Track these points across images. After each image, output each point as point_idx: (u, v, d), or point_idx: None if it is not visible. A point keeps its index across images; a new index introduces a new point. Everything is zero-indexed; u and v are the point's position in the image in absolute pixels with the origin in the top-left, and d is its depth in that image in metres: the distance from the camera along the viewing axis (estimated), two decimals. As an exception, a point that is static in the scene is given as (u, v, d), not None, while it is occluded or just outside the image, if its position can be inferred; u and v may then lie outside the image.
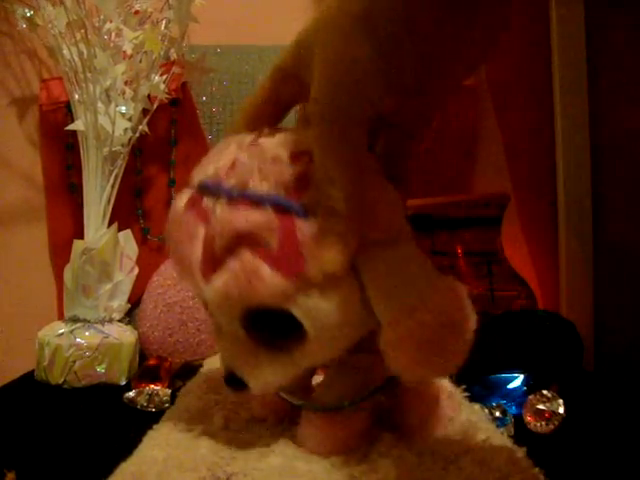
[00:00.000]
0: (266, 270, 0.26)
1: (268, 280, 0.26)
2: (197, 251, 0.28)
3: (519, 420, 0.44)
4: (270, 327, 0.29)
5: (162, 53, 0.64)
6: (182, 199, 0.30)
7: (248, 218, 0.26)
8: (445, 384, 0.36)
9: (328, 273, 0.27)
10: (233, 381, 0.31)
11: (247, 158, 0.28)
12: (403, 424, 0.36)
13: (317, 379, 0.37)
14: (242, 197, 0.27)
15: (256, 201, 0.27)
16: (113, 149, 0.62)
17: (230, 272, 0.27)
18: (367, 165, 0.28)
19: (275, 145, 0.29)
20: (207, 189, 0.29)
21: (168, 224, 0.31)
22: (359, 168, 0.27)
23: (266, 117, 0.31)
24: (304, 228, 0.26)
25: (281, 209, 0.27)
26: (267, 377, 0.31)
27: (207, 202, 0.28)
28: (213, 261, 0.27)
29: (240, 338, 0.30)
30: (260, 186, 0.27)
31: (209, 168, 0.30)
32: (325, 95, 0.25)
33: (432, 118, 0.31)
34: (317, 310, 0.28)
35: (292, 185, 0.27)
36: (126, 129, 0.63)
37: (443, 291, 0.28)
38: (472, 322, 0.28)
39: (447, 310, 0.27)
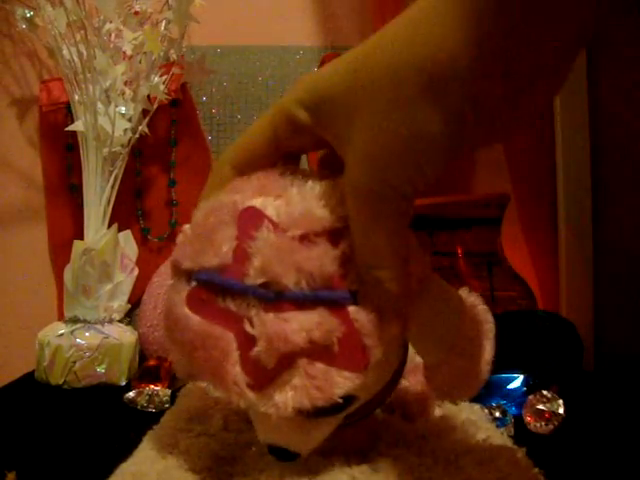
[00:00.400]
0: (334, 373, 0.23)
1: (341, 383, 0.23)
2: (234, 369, 0.24)
3: (519, 420, 0.44)
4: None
5: (162, 54, 0.64)
6: (180, 294, 0.26)
7: (304, 326, 0.22)
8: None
9: (387, 348, 0.25)
10: (280, 452, 0.29)
11: (263, 243, 0.23)
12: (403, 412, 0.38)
13: None
14: (283, 299, 0.22)
15: (302, 301, 0.22)
16: (113, 150, 0.62)
17: (295, 387, 0.23)
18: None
19: (294, 221, 0.23)
20: (222, 286, 0.24)
21: (168, 324, 0.26)
22: (406, 244, 0.24)
23: (261, 163, 0.26)
24: (360, 317, 0.23)
25: (331, 303, 0.23)
26: (317, 441, 0.29)
27: (231, 306, 0.23)
28: (264, 377, 0.23)
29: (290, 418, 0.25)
30: (299, 281, 0.22)
31: (208, 254, 0.24)
32: (374, 168, 0.21)
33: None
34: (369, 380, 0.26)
35: (333, 271, 0.23)
36: (126, 130, 0.63)
37: (471, 320, 0.28)
38: (492, 340, 0.29)
39: (474, 340, 0.28)
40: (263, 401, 0.24)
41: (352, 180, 0.22)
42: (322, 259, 0.23)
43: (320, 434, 0.28)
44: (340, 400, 0.24)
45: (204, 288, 0.24)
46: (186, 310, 0.25)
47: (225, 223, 0.24)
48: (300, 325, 0.22)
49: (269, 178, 0.25)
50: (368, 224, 0.22)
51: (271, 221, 0.23)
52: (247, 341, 0.23)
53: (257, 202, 0.24)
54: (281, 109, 0.24)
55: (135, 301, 0.69)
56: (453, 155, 0.21)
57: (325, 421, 0.27)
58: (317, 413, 0.24)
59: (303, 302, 0.22)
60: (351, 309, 0.23)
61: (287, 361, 0.23)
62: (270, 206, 0.24)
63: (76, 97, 0.62)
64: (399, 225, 0.23)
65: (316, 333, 0.22)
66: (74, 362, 0.57)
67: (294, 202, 0.24)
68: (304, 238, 0.23)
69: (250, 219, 0.23)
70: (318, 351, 0.23)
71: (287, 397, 0.23)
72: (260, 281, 0.22)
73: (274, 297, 0.22)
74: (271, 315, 0.22)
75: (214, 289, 0.24)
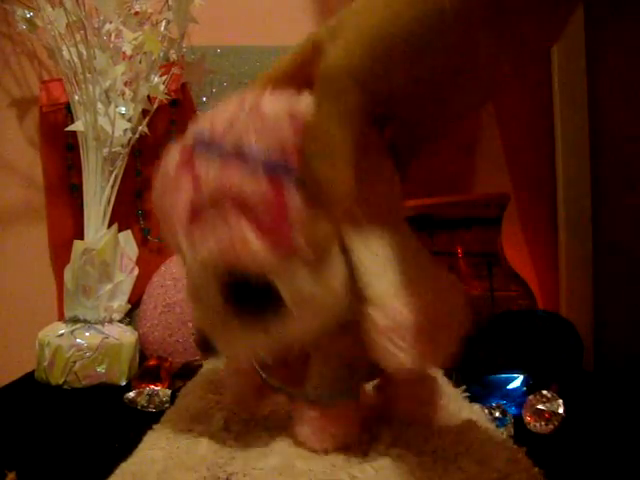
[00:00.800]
0: (252, 237, 0.25)
1: (254, 247, 0.25)
2: (182, 205, 0.26)
3: (519, 420, 0.44)
4: (248, 297, 0.27)
5: (162, 54, 0.64)
6: (174, 152, 0.29)
7: (239, 179, 0.25)
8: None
9: (315, 246, 0.26)
10: (204, 345, 0.30)
11: (246, 116, 0.26)
12: (398, 412, 0.36)
13: None
14: (235, 156, 0.25)
15: (249, 163, 0.25)
16: (113, 150, 0.62)
17: (215, 235, 0.25)
18: (369, 142, 0.26)
19: (278, 107, 0.26)
20: (200, 144, 0.27)
21: (157, 176, 0.30)
22: (359, 145, 0.24)
23: (287, 82, 0.28)
24: (295, 198, 0.25)
25: (274, 175, 0.25)
26: (239, 346, 0.29)
27: (199, 157, 0.27)
28: (198, 219, 0.26)
29: (216, 304, 0.27)
30: (255, 147, 0.25)
31: (206, 123, 0.28)
32: (349, 55, 0.23)
33: (450, 129, 0.30)
34: (300, 284, 0.26)
35: (288, 152, 0.25)
36: (126, 130, 0.63)
37: (437, 280, 0.27)
38: (465, 315, 0.28)
39: (439, 298, 0.27)
40: (190, 246, 0.26)
41: (326, 63, 0.23)
42: (281, 134, 0.25)
43: (245, 342, 0.29)
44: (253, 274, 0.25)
45: (191, 146, 0.28)
46: (171, 160, 0.29)
47: (229, 105, 0.28)
48: (237, 177, 0.25)
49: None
50: (324, 109, 0.24)
51: (261, 105, 0.26)
52: (197, 186, 0.26)
53: (263, 97, 0.27)
54: (311, 38, 0.26)
55: (135, 301, 0.69)
56: (428, 66, 0.22)
57: (253, 330, 0.28)
58: (233, 281, 0.26)
59: (251, 164, 0.25)
60: (290, 188, 0.25)
61: (220, 211, 0.25)
62: (268, 97, 0.27)
63: (76, 97, 0.62)
64: (352, 120, 0.24)
65: (248, 189, 0.25)
66: (74, 362, 0.57)
67: (284, 97, 0.27)
68: (276, 119, 0.26)
69: (250, 106, 0.27)
70: (246, 213, 0.25)
71: (206, 241, 0.26)
72: (227, 140, 0.26)
73: (230, 153, 0.25)
74: (219, 164, 0.25)
75: (197, 147, 0.27)
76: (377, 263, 0.27)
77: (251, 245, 0.25)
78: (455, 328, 0.27)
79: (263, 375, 0.34)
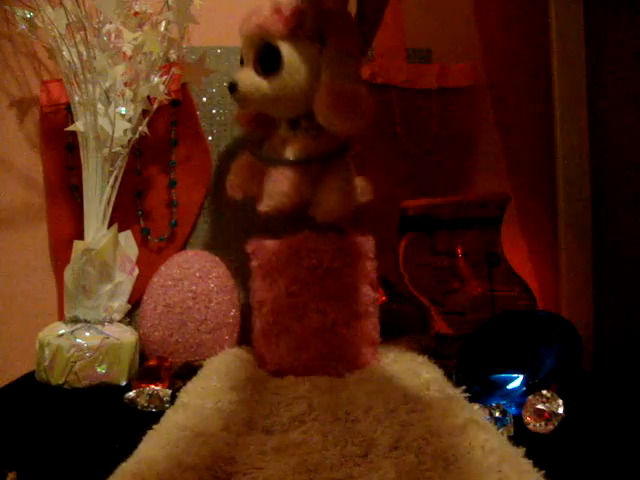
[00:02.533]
0: (275, 21, 0.55)
1: (273, 25, 0.55)
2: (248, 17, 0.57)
3: (519, 420, 0.44)
4: (266, 61, 0.55)
5: (162, 54, 0.64)
6: None
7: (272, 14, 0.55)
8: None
9: (302, 25, 0.54)
10: (230, 87, 0.56)
11: None
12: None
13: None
14: None
15: None
16: (113, 150, 0.62)
17: (255, 22, 0.56)
18: None
19: None
20: None
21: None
22: None
23: None
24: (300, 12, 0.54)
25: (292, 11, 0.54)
26: (249, 84, 0.56)
27: None
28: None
29: (251, 65, 0.57)
30: None
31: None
32: None
33: None
34: (291, 55, 0.55)
35: None
36: (126, 130, 0.63)
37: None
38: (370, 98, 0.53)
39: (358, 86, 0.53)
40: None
41: None
42: None
43: (257, 82, 0.56)
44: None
45: None
46: None
47: None
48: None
49: None
50: None
51: None
52: None
53: None
54: None
55: (135, 301, 0.69)
56: None
57: (264, 78, 0.56)
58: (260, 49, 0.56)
59: None
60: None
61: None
62: None
63: (76, 98, 0.62)
64: None
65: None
66: (74, 362, 0.57)
67: None
68: None
69: None
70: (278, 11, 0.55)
71: (251, 21, 0.57)
72: None
73: None
74: None
75: None
76: (335, 62, 0.54)
77: (275, 23, 0.54)
78: (368, 103, 0.52)
79: (257, 152, 0.60)
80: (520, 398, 0.47)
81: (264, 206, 0.56)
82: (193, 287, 0.63)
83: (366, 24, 0.55)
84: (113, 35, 0.64)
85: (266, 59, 0.55)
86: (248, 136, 0.64)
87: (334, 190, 0.57)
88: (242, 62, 0.59)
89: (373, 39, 0.57)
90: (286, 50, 0.55)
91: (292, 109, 0.58)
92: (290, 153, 0.57)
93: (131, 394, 0.51)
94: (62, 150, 0.72)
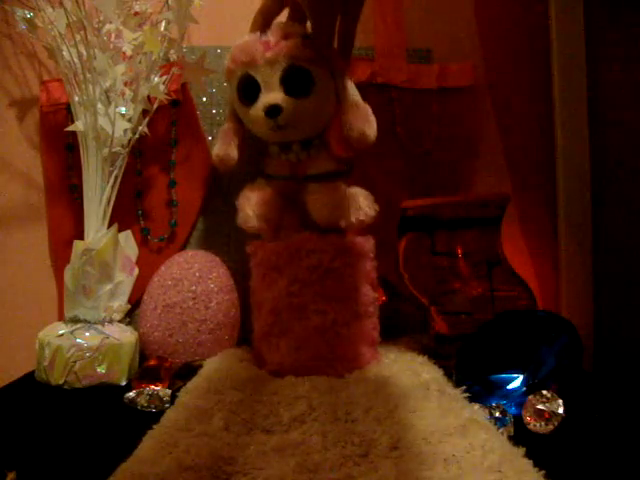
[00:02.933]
0: (302, 45, 0.56)
1: (303, 48, 0.56)
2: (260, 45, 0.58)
3: (519, 420, 0.44)
4: (296, 82, 0.57)
5: (162, 54, 0.64)
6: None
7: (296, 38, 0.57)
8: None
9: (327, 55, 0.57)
10: (272, 111, 0.56)
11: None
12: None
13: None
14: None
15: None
16: (113, 150, 0.62)
17: (284, 45, 0.57)
18: None
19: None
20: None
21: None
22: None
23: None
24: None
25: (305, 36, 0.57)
26: (294, 106, 0.57)
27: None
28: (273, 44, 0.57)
29: (278, 88, 0.57)
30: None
31: None
32: None
33: None
34: (319, 77, 0.57)
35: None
36: (126, 130, 0.63)
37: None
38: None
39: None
40: (267, 54, 0.57)
41: None
42: (298, 30, 0.58)
43: (295, 105, 0.57)
44: None
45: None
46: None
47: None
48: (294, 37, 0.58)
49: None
50: None
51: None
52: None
53: None
54: None
55: (135, 301, 0.69)
56: None
57: (298, 101, 0.57)
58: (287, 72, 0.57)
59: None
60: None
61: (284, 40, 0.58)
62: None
63: (76, 97, 0.62)
64: None
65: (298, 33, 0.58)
66: (74, 362, 0.57)
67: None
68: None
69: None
70: (301, 39, 0.57)
71: (281, 45, 0.57)
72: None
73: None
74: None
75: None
76: (347, 93, 0.59)
77: (305, 46, 0.56)
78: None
79: (279, 176, 0.63)
80: (520, 398, 0.47)
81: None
82: (193, 287, 0.63)
83: (348, 22, 0.55)
84: (113, 35, 0.64)
85: (295, 82, 0.57)
86: (261, 165, 0.65)
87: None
88: (244, 90, 0.59)
89: (352, 47, 0.57)
90: (316, 73, 0.57)
91: (315, 130, 0.61)
92: (319, 169, 0.60)
93: (131, 394, 0.51)
94: (62, 150, 0.72)
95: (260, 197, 0.61)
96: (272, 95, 0.57)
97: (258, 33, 0.59)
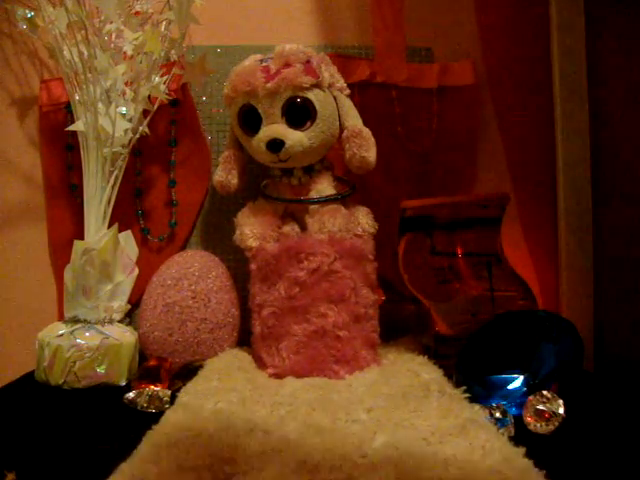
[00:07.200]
0: (303, 73, 0.57)
1: (304, 77, 0.57)
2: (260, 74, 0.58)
3: (519, 421, 0.44)
4: (297, 114, 0.57)
5: (162, 54, 0.64)
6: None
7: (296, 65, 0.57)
8: None
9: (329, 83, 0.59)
10: (274, 145, 0.57)
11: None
12: None
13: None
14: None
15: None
16: (113, 150, 0.62)
17: (284, 75, 0.56)
18: None
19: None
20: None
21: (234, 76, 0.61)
22: None
23: None
24: (316, 63, 0.59)
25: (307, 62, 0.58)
26: (295, 140, 0.57)
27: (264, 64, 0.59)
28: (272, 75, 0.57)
29: (279, 119, 0.58)
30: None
31: None
32: None
33: None
34: (323, 102, 0.58)
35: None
36: (126, 130, 0.63)
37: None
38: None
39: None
40: (267, 85, 0.57)
41: None
42: (300, 56, 0.59)
43: (297, 137, 0.58)
44: None
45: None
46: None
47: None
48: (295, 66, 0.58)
49: None
50: None
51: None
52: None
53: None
54: None
55: (135, 301, 0.69)
56: None
57: (300, 132, 0.58)
58: (288, 103, 0.58)
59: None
60: (314, 62, 0.59)
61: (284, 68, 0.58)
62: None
63: (76, 97, 0.62)
64: None
65: (300, 62, 0.58)
66: (74, 362, 0.57)
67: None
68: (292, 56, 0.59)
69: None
70: (300, 66, 0.58)
71: (279, 77, 0.57)
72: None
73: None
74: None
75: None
76: (349, 113, 0.61)
77: (303, 76, 0.57)
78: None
79: (280, 199, 0.62)
80: (521, 398, 0.47)
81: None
82: (193, 287, 0.63)
83: None
84: (114, 35, 0.64)
85: (297, 113, 0.57)
86: (263, 187, 0.65)
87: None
88: (245, 119, 0.60)
89: None
90: (316, 100, 0.57)
91: (318, 156, 0.61)
92: (320, 193, 0.61)
93: (131, 395, 0.51)
94: (62, 150, 0.72)
95: (260, 218, 0.62)
96: (274, 127, 0.57)
97: (258, 57, 0.59)
